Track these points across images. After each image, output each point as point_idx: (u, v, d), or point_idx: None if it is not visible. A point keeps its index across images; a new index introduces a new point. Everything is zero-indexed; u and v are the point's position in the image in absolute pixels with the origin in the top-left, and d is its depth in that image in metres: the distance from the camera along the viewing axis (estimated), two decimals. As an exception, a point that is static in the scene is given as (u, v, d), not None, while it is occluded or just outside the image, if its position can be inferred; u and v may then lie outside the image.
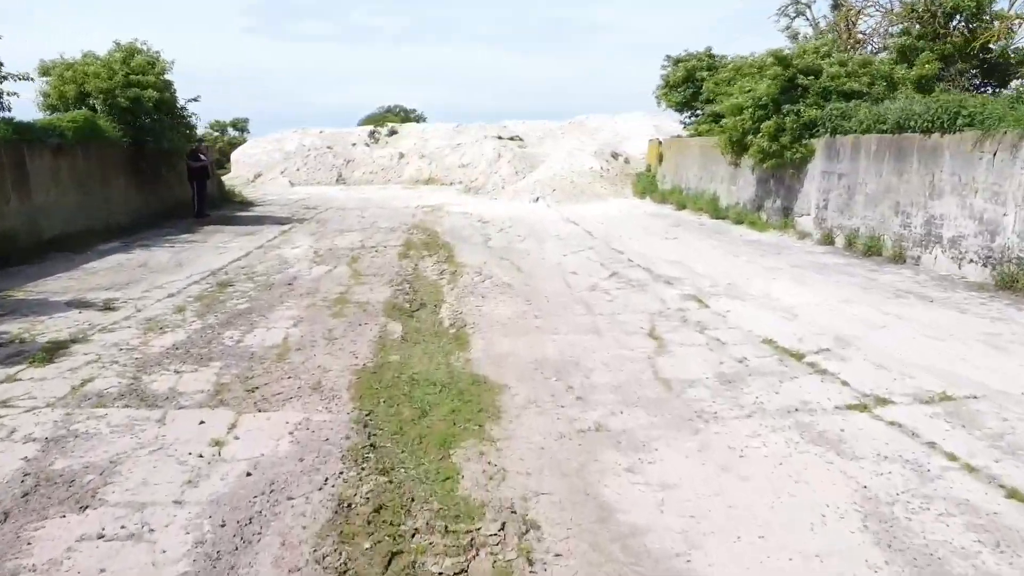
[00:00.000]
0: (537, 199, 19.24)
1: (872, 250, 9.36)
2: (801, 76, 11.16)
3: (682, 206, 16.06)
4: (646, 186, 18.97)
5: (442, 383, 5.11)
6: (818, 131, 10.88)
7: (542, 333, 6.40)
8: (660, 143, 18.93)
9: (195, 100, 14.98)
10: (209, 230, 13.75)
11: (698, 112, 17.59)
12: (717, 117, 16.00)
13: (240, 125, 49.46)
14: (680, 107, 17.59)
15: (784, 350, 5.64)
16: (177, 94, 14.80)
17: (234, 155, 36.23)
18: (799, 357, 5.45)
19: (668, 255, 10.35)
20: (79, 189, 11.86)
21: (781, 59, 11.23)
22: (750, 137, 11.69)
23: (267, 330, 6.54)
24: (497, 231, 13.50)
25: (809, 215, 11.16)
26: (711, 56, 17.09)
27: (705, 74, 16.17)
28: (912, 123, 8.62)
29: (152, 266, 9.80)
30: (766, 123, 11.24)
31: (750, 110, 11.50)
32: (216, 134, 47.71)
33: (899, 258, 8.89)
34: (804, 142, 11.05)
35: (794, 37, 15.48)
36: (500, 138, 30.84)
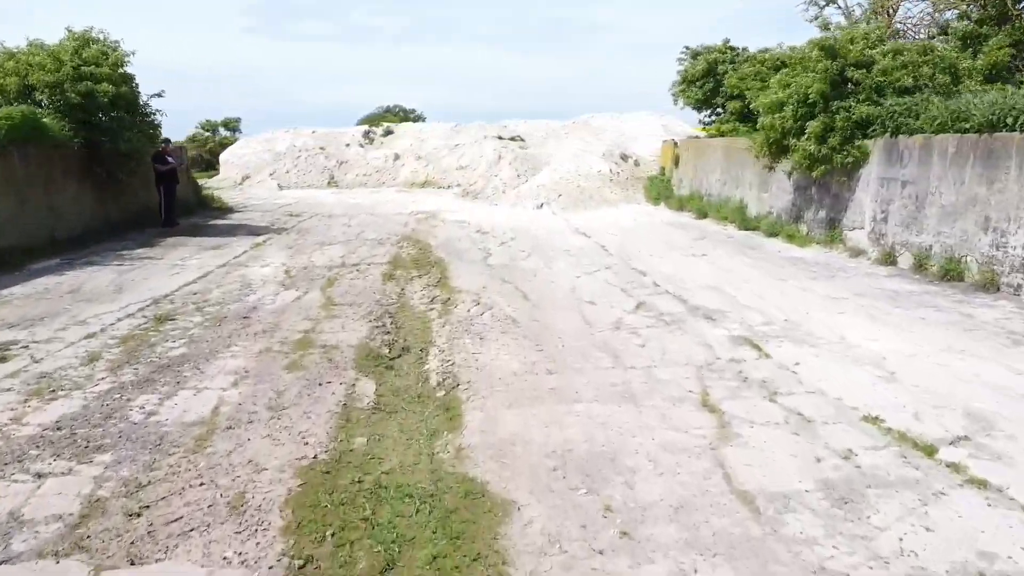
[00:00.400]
0: (541, 205, 17.65)
1: (951, 274, 7.76)
2: (851, 69, 9.56)
3: (703, 214, 14.47)
4: (660, 191, 17.38)
5: (422, 495, 3.53)
6: (874, 131, 9.28)
7: (560, 400, 4.80)
8: (676, 144, 17.34)
9: (159, 96, 13.38)
10: (172, 243, 12.14)
11: (719, 110, 16.00)
12: (743, 116, 14.45)
13: (232, 125, 48.01)
14: (699, 105, 16.01)
15: (902, 437, 4.04)
16: (139, 89, 13.20)
17: (223, 156, 34.72)
18: (930, 451, 3.84)
19: (700, 278, 8.76)
20: (14, 197, 10.26)
21: (827, 50, 9.63)
22: (792, 139, 10.08)
23: (196, 393, 4.95)
24: (498, 244, 11.90)
25: (862, 229, 9.56)
26: (732, 49, 15.50)
27: (727, 68, 14.57)
28: (1009, 120, 7.04)
29: (85, 292, 8.19)
30: (812, 122, 9.63)
31: (792, 107, 9.90)
32: (207, 134, 46.28)
33: (990, 285, 7.29)
34: (857, 143, 9.46)
35: (825, 27, 13.83)
36: (500, 138, 29.25)
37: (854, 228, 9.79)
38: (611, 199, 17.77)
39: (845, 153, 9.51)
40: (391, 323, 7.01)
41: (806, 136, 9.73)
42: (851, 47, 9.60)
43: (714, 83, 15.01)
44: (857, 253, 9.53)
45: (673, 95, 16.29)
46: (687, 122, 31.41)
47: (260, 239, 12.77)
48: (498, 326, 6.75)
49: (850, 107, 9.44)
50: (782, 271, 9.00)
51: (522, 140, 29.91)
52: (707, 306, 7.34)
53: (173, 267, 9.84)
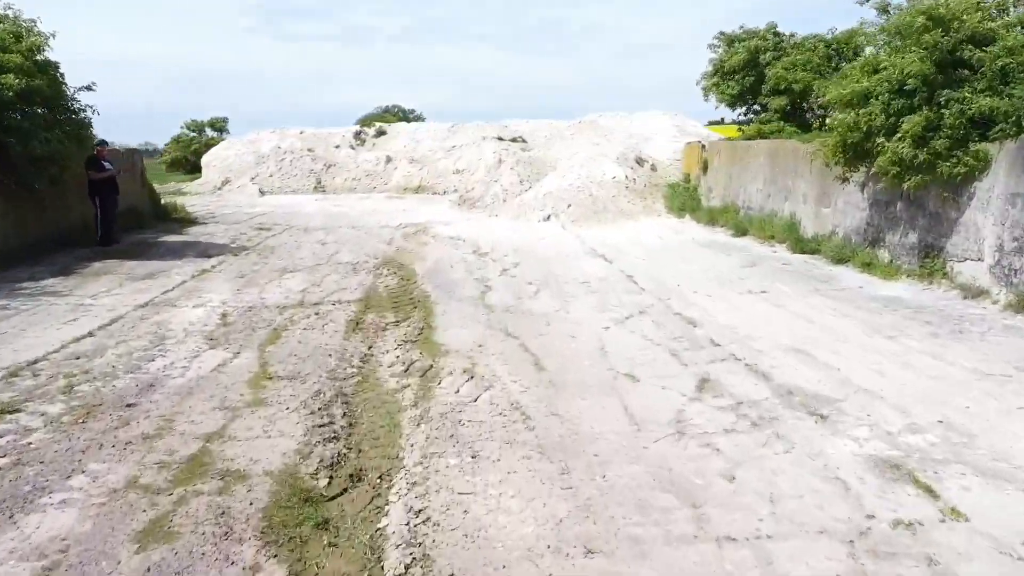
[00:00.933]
0: (548, 217, 15.37)
1: None
2: (966, 47, 7.29)
3: (741, 231, 12.18)
4: (685, 202, 15.09)
5: None
6: (1000, 131, 6.99)
7: (621, 651, 2.51)
8: (704, 147, 15.04)
9: (89, 88, 11.09)
10: (96, 269, 9.85)
11: (755, 107, 13.70)
12: (787, 113, 12.17)
13: (218, 125, 45.88)
14: (734, 101, 13.68)
15: None
16: (65, 80, 10.92)
17: (205, 158, 32.54)
18: None
19: (773, 331, 6.47)
20: None
21: (938, 20, 7.35)
22: (879, 140, 7.78)
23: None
24: (498, 272, 9.62)
25: (980, 260, 7.27)
26: (776, 34, 13.18)
27: (770, 56, 12.27)
28: None
29: (-77, 357, 5.90)
30: (911, 118, 7.35)
31: (882, 98, 7.62)
32: (193, 135, 44.16)
33: None
34: (973, 148, 7.17)
35: (883, 10, 11.50)
36: (501, 139, 27.01)
37: (965, 259, 7.49)
38: (628, 210, 15.48)
39: (955, 160, 7.21)
40: (342, 417, 4.73)
41: (899, 136, 7.43)
42: (965, 19, 7.30)
43: (756, 76, 12.69)
44: (975, 293, 7.22)
45: (703, 89, 13.98)
46: (700, 121, 29.20)
47: (210, 263, 10.48)
48: (500, 427, 4.46)
49: (964, 98, 7.15)
50: (882, 321, 6.69)
51: (524, 141, 27.67)
52: (803, 387, 5.05)
53: (75, 309, 7.55)
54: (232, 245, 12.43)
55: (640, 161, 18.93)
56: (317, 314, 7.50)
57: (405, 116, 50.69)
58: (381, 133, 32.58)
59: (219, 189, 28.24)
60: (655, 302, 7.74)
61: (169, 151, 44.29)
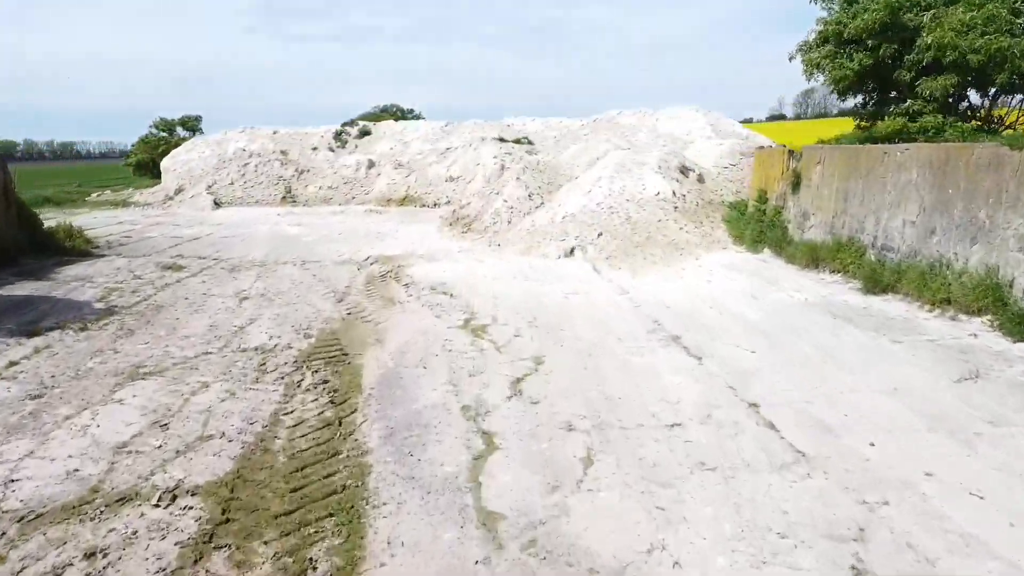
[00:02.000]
0: (572, 251, 11.04)
1: None
2: None
3: (876, 285, 7.86)
4: (762, 231, 10.77)
5: None
6: None
7: None
8: (791, 154, 10.67)
9: None
10: None
11: (874, 96, 9.30)
12: (947, 104, 7.83)
13: (190, 124, 41.55)
14: (854, 83, 9.25)
15: None
16: None
17: (164, 162, 28.23)
18: None
19: None
20: None
21: None
22: None
23: None
24: (507, 387, 5.27)
25: None
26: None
27: (921, 19, 7.92)
28: None
29: None
30: None
31: None
32: (162, 134, 39.92)
33: None
34: None
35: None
36: (503, 140, 22.68)
37: None
38: (681, 241, 11.13)
39: None
40: None
41: None
42: None
43: (899, 46, 8.27)
44: None
45: (804, 65, 9.55)
46: (732, 121, 24.88)
47: (14, 354, 6.16)
48: None
49: None
50: None
51: (531, 144, 23.29)
52: None
53: None
54: (95, 304, 8.12)
55: (684, 170, 14.57)
56: (91, 558, 3.19)
57: (403, 116, 46.27)
58: (365, 133, 28.30)
59: (171, 199, 23.93)
60: (864, 521, 3.42)
61: (135, 153, 39.88)
